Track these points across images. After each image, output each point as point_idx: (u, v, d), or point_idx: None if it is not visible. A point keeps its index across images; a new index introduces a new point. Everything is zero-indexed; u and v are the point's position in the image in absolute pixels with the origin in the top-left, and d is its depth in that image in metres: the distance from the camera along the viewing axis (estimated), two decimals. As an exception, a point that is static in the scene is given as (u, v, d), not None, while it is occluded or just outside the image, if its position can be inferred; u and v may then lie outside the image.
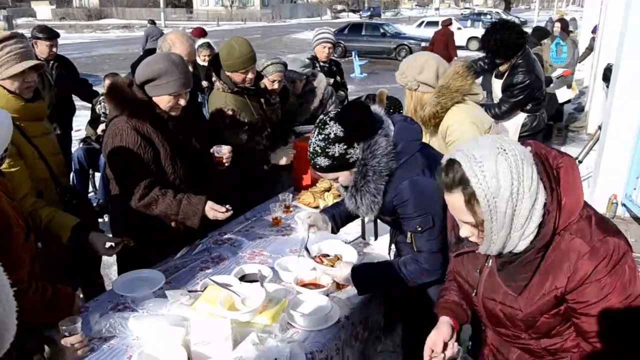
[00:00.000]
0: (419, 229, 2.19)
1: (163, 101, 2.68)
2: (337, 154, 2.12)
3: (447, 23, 14.05)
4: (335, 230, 2.73)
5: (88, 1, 65.66)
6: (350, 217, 2.71)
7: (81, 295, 2.28)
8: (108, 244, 2.41)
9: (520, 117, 4.97)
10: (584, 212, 1.54)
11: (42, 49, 5.66)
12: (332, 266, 2.45)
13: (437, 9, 40.04)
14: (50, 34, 5.70)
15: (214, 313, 2.14)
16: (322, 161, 2.15)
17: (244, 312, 2.11)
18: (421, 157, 2.20)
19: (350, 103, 2.47)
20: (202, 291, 2.34)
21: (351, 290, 2.49)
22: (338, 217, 2.70)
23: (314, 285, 2.46)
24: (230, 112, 3.54)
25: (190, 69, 3.31)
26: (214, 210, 2.69)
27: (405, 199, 2.16)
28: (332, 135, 2.12)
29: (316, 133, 2.16)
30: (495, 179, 1.44)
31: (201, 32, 8.02)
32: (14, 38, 2.56)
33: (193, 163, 2.87)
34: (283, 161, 3.72)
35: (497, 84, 5.05)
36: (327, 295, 2.41)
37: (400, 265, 2.31)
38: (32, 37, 5.81)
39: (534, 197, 1.48)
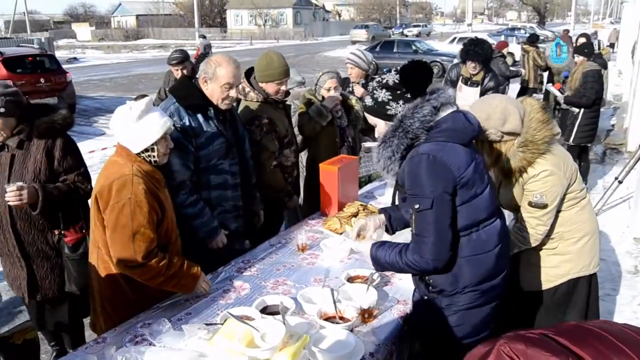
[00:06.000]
0: (417, 207, 2.10)
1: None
2: (379, 99, 2.39)
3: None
4: (390, 231, 2.65)
5: (126, 22, 67.57)
6: (407, 224, 2.55)
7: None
8: None
9: None
10: None
11: (177, 74, 5.92)
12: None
13: (470, 24, 39.62)
14: (178, 59, 5.91)
15: (231, 349, 2.06)
16: (368, 100, 2.44)
17: (263, 349, 2.02)
18: (452, 148, 2.11)
19: (416, 62, 2.58)
20: (222, 324, 2.26)
21: (376, 323, 2.38)
22: (395, 219, 2.61)
23: (339, 319, 2.36)
24: (266, 120, 3.56)
25: (234, 94, 3.12)
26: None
27: (408, 170, 2.13)
28: (384, 81, 2.42)
29: (380, 75, 2.44)
30: None
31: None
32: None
33: None
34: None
35: (472, 91, 6.30)
36: (352, 330, 2.31)
37: (403, 251, 2.21)
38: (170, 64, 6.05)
39: None
